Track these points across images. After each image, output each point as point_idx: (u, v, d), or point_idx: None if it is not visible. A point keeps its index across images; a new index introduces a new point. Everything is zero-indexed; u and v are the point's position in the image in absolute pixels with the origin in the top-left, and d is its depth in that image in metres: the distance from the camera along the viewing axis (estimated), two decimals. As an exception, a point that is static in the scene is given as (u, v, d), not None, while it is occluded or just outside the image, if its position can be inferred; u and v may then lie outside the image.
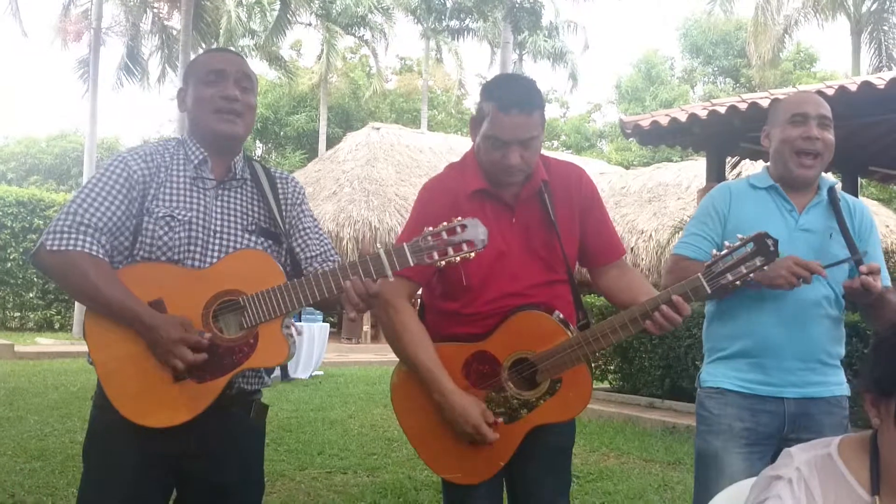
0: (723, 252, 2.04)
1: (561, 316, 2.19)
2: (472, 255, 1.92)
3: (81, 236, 1.92)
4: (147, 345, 1.90)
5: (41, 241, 1.94)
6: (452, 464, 2.22)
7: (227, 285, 1.96)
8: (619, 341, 2.15)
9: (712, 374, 2.51)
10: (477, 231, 1.92)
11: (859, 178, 9.97)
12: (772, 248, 2.01)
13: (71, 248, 1.90)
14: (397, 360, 2.29)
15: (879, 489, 1.41)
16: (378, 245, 15.98)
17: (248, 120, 2.14)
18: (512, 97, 2.11)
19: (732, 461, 2.38)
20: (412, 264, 1.92)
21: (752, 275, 2.03)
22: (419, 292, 2.36)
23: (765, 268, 2.03)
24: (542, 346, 2.14)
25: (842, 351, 2.51)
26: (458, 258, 1.92)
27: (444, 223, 1.94)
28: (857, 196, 9.51)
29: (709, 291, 2.04)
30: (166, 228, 2.00)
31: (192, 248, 2.02)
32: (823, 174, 2.50)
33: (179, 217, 2.02)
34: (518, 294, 2.20)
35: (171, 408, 1.90)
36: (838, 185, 2.56)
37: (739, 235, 2.07)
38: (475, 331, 2.21)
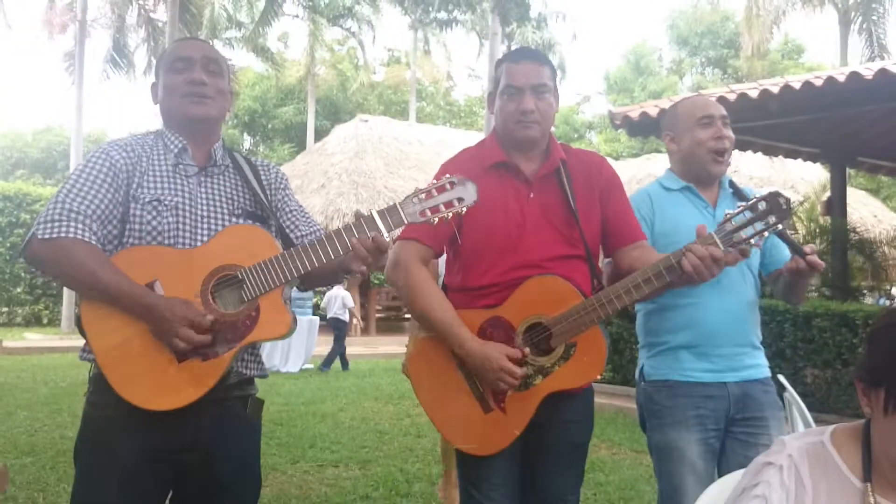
0: (734, 211, 2.05)
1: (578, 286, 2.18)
2: (465, 209, 1.97)
3: (73, 224, 1.89)
4: (148, 327, 1.88)
5: (31, 232, 1.90)
6: (468, 433, 2.21)
7: (222, 260, 1.94)
8: (632, 302, 2.16)
9: (657, 368, 2.58)
10: (466, 187, 1.98)
11: (847, 168, 10.01)
12: (784, 207, 2.01)
13: (63, 235, 1.87)
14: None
15: (871, 476, 1.44)
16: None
17: (221, 103, 2.13)
18: (523, 51, 2.38)
19: (692, 449, 2.45)
20: (406, 223, 1.96)
21: (766, 232, 2.03)
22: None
23: (779, 226, 2.03)
24: (557, 310, 2.14)
25: (761, 334, 2.67)
26: (450, 214, 1.96)
27: (434, 181, 1.99)
28: (845, 186, 9.61)
29: (722, 249, 2.04)
30: (154, 213, 1.99)
31: (180, 232, 2.00)
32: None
33: (166, 202, 2.01)
34: (534, 265, 2.20)
35: (176, 389, 1.88)
36: (733, 177, 2.69)
37: (753, 195, 2.07)
38: (490, 303, 2.21)
